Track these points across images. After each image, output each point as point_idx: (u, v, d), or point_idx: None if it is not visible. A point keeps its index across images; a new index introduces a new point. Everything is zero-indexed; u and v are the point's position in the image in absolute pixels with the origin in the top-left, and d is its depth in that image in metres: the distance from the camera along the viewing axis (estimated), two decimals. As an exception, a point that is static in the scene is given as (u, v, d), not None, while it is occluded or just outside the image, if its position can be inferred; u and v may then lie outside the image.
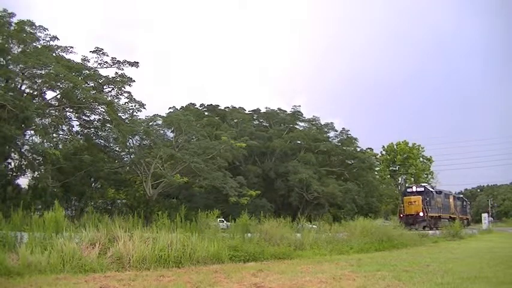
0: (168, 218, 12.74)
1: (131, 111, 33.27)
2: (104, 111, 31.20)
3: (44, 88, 29.63)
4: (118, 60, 31.79)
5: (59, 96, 29.95)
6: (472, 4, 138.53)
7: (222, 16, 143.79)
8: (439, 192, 41.27)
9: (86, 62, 31.13)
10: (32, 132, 29.03)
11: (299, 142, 49.35)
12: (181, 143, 36.51)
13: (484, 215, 51.59)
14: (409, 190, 39.39)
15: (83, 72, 30.59)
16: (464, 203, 53.09)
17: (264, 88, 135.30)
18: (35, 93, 29.93)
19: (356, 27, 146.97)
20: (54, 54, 29.53)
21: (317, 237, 16.27)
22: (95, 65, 31.37)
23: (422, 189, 38.03)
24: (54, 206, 11.28)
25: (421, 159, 66.70)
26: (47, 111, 28.92)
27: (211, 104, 51.81)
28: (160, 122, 38.61)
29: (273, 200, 43.97)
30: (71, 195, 34.46)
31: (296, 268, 10.58)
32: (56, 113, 29.92)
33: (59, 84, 28.58)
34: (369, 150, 58.10)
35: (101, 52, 31.20)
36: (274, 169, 45.45)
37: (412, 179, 62.02)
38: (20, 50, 28.11)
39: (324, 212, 44.85)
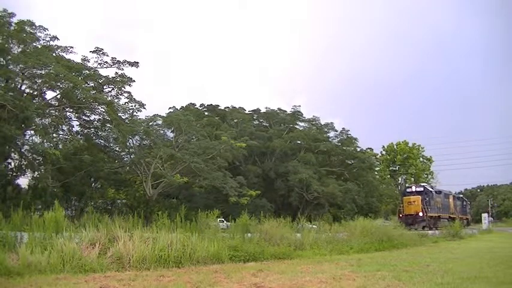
0: (168, 218, 12.74)
1: (131, 111, 33.33)
2: (104, 111, 31.20)
3: (44, 88, 29.64)
4: (118, 60, 31.84)
5: (59, 96, 29.95)
6: (472, 4, 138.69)
7: (222, 16, 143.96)
8: (439, 192, 41.23)
9: (86, 62, 31.16)
10: (32, 132, 29.06)
11: (299, 142, 49.35)
12: (181, 143, 36.51)
13: (484, 215, 51.59)
14: (408, 190, 39.27)
15: (83, 72, 30.60)
16: (464, 203, 53.08)
17: (264, 88, 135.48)
18: (35, 93, 29.93)
19: (356, 27, 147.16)
20: (54, 54, 29.53)
21: (317, 237, 16.27)
22: (95, 65, 31.43)
23: (422, 189, 37.96)
24: (54, 206, 11.28)
25: (421, 159, 66.72)
26: (47, 111, 28.92)
27: (211, 104, 51.87)
28: (160, 122, 38.63)
29: (273, 200, 43.97)
30: (71, 195, 34.46)
31: (296, 268, 10.58)
32: (56, 113, 29.93)
33: (59, 84, 28.58)
34: (369, 150, 58.11)
35: (101, 52, 31.24)
36: (274, 169, 45.45)
37: (412, 179, 62.03)
38: (20, 50, 28.11)
39: (324, 212, 44.85)
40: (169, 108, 44.82)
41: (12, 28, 28.09)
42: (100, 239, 10.50)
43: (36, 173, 31.64)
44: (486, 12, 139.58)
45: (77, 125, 33.01)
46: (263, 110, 52.73)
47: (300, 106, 59.21)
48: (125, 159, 37.80)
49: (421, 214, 35.21)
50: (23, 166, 31.23)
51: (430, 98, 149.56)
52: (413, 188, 38.67)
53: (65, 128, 31.84)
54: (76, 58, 31.36)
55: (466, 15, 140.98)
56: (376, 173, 59.43)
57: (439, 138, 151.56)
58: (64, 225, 11.01)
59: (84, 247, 10.11)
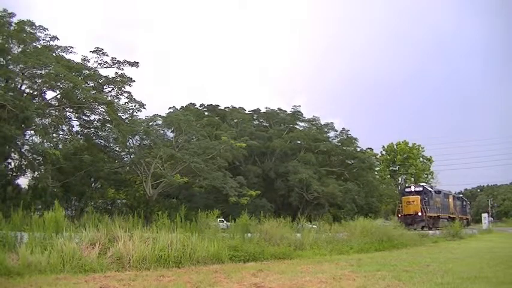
0: (168, 218, 12.74)
1: (131, 111, 33.32)
2: (104, 111, 31.20)
3: (44, 88, 29.63)
4: (118, 60, 31.82)
5: (59, 96, 29.95)
6: (472, 4, 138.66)
7: (222, 16, 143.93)
8: (438, 192, 41.19)
9: (86, 62, 31.14)
10: (32, 132, 29.04)
11: (299, 142, 49.33)
12: (181, 143, 36.51)
13: (484, 215, 51.62)
14: (407, 190, 39.14)
15: (83, 72, 30.59)
16: (464, 203, 53.08)
17: (264, 88, 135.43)
18: (35, 93, 29.93)
19: (356, 27, 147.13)
20: (54, 54, 29.51)
21: (317, 237, 16.28)
22: (95, 65, 31.41)
23: (421, 189, 37.87)
24: (54, 206, 11.29)
25: (421, 159, 66.74)
26: (47, 111, 28.92)
27: (211, 104, 51.83)
28: (160, 122, 38.61)
29: (273, 200, 43.96)
30: (71, 195, 34.45)
31: (296, 268, 10.58)
32: (56, 113, 29.92)
33: (59, 84, 28.58)
34: (369, 150, 58.07)
35: (101, 52, 31.22)
36: (274, 169, 45.45)
37: (412, 179, 62.04)
38: (20, 50, 28.10)
39: (324, 212, 44.83)
40: (169, 108, 44.83)
41: (12, 28, 28.08)
42: (100, 239, 10.51)
43: (36, 173, 31.64)
44: (486, 12, 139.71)
45: (77, 125, 33.07)
46: (263, 110, 52.78)
47: (300, 106, 59.25)
48: (125, 159, 37.80)
49: (420, 214, 35.17)
50: (23, 166, 31.23)
51: (430, 98, 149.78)
52: (412, 188, 38.57)
53: (65, 128, 31.86)
54: (76, 58, 31.40)
55: (466, 15, 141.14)
56: (376, 173, 59.39)
57: (439, 138, 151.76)
58: (64, 225, 11.02)
59: (84, 247, 10.11)
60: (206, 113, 50.35)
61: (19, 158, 30.91)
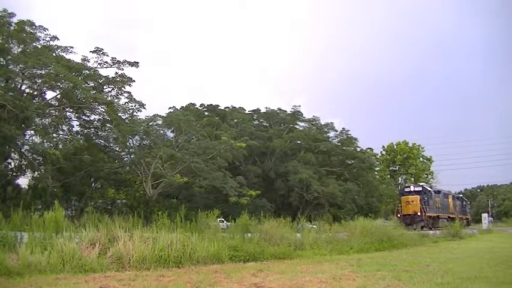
0: (168, 218, 12.75)
1: (131, 111, 33.31)
2: (104, 111, 31.19)
3: (44, 88, 29.63)
4: (118, 60, 31.81)
5: (59, 96, 29.95)
6: (472, 4, 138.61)
7: (222, 16, 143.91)
8: (438, 192, 41.13)
9: (86, 62, 31.14)
10: (32, 132, 29.03)
11: (299, 142, 49.32)
12: (181, 143, 36.50)
13: (484, 215, 51.62)
14: (406, 190, 39.01)
15: (83, 72, 30.58)
16: (464, 203, 53.04)
17: (264, 88, 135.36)
18: (35, 93, 29.92)
19: (356, 27, 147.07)
20: (54, 54, 29.51)
21: (317, 237, 16.29)
22: (95, 65, 31.41)
23: (420, 188, 37.78)
24: (54, 206, 11.29)
25: (421, 159, 66.75)
26: (47, 111, 28.92)
27: (211, 104, 51.82)
28: (160, 122, 38.60)
29: (273, 200, 43.95)
30: (71, 195, 34.45)
31: (296, 268, 10.59)
32: (56, 113, 29.92)
33: (59, 84, 28.57)
34: (369, 150, 58.06)
35: (101, 52, 31.22)
36: (274, 169, 45.45)
37: (412, 179, 62.02)
38: (20, 50, 28.09)
39: (324, 212, 44.82)
40: (169, 108, 44.82)
41: (12, 28, 28.07)
42: (100, 239, 10.51)
43: (36, 173, 31.64)
44: (486, 12, 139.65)
45: (77, 125, 33.06)
46: (263, 110, 52.76)
47: (300, 106, 59.20)
48: (125, 159, 37.79)
49: (419, 214, 35.12)
50: (23, 166, 31.22)
51: (430, 98, 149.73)
52: (412, 188, 38.48)
53: (65, 128, 31.86)
54: (76, 58, 31.40)
55: (466, 15, 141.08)
56: (376, 173, 59.38)
57: (439, 138, 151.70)
58: (64, 225, 11.02)
59: (84, 247, 10.12)
60: (206, 113, 50.34)
61: (19, 158, 30.91)
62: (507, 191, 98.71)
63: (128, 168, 37.05)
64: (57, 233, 10.34)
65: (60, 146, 32.21)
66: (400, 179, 66.67)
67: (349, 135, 52.49)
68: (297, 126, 51.98)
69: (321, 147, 47.45)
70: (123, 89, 32.50)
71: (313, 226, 19.80)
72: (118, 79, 31.89)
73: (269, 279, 8.58)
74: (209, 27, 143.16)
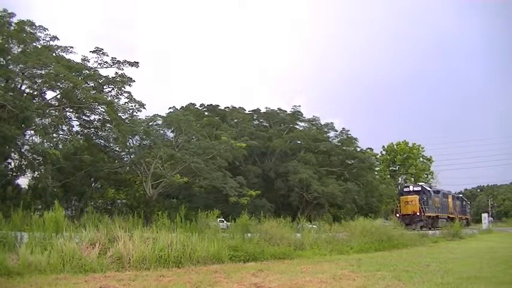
0: (168, 218, 12.76)
1: (131, 111, 33.28)
2: (104, 111, 31.17)
3: (44, 88, 29.62)
4: (118, 60, 31.78)
5: (59, 96, 29.93)
6: (472, 4, 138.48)
7: (222, 16, 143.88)
8: (437, 192, 41.07)
9: (86, 62, 31.10)
10: (32, 132, 28.99)
11: (299, 142, 49.32)
12: (181, 143, 36.50)
13: (484, 215, 51.63)
14: (405, 189, 38.84)
15: (83, 72, 30.56)
16: (464, 203, 53.00)
17: (264, 88, 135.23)
18: (35, 93, 29.91)
19: (356, 27, 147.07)
20: (54, 54, 29.49)
21: (317, 237, 16.30)
22: (95, 65, 31.37)
23: (419, 188, 37.68)
24: (54, 206, 11.30)
25: (421, 159, 66.74)
26: (47, 111, 28.90)
27: (211, 104, 51.77)
28: (160, 122, 38.60)
29: (273, 200, 43.94)
30: (71, 195, 34.45)
31: (296, 268, 10.59)
32: (56, 113, 29.90)
33: (59, 84, 28.56)
34: (369, 150, 58.03)
35: (101, 52, 31.18)
36: (274, 169, 45.44)
37: (412, 179, 62.01)
38: (20, 50, 28.07)
39: (324, 212, 44.83)
40: (169, 108, 44.78)
41: (12, 28, 28.05)
42: (100, 239, 10.51)
43: (36, 173, 31.60)
44: (486, 12, 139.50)
45: (77, 125, 33.02)
46: (263, 110, 52.72)
47: (300, 106, 59.13)
48: (125, 159, 37.78)
49: (418, 214, 35.07)
50: (23, 166, 31.20)
51: (430, 97, 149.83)
52: (411, 188, 38.38)
53: (65, 128, 31.82)
54: (76, 58, 31.34)
55: (466, 15, 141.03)
56: (376, 173, 59.33)
57: (439, 138, 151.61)
58: (64, 225, 11.02)
59: (84, 247, 10.12)
60: (206, 113, 50.31)
61: (19, 158, 30.89)
62: (507, 191, 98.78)
63: (128, 168, 37.04)
64: (57, 233, 10.34)
65: (60, 146, 32.18)
66: (400, 179, 66.63)
67: (349, 135, 52.48)
68: (297, 126, 51.99)
69: (321, 147, 47.44)
70: (123, 89, 32.49)
71: (313, 226, 19.81)
72: (118, 79, 31.87)
73: (269, 279, 8.58)
74: (209, 27, 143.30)
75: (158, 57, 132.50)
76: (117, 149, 36.57)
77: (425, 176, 64.80)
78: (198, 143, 37.35)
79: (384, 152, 67.90)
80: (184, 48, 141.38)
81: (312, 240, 15.61)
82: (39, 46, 29.18)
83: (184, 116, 37.93)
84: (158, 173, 33.92)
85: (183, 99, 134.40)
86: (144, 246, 10.48)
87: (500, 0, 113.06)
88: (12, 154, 30.02)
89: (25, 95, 28.70)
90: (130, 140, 34.87)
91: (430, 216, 36.82)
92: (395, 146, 67.20)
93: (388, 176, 64.88)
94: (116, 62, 31.67)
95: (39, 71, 27.46)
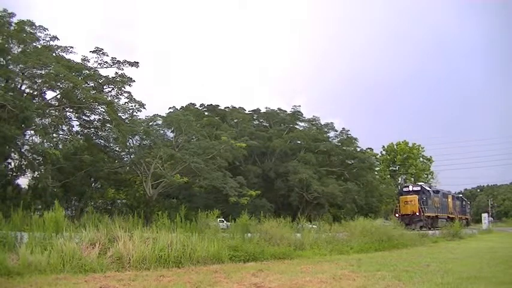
0: (168, 218, 12.76)
1: (131, 111, 33.27)
2: (104, 111, 31.17)
3: (44, 88, 29.61)
4: (118, 60, 31.77)
5: (59, 96, 29.93)
6: (472, 4, 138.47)
7: (222, 16, 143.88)
8: (437, 192, 41.02)
9: (86, 62, 31.10)
10: (32, 132, 28.98)
11: (299, 142, 49.31)
12: (181, 143, 36.49)
13: (484, 215, 51.63)
14: (405, 189, 38.81)
15: (83, 72, 30.55)
16: (464, 203, 52.99)
17: (264, 88, 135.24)
18: (35, 93, 29.90)
19: (356, 27, 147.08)
20: (54, 54, 29.48)
21: (317, 237, 16.30)
22: (95, 65, 31.35)
23: (419, 188, 37.62)
24: (54, 206, 11.30)
25: (421, 159, 66.75)
26: (47, 111, 28.90)
27: (211, 104, 51.76)
28: (160, 122, 38.59)
29: (273, 200, 43.93)
30: (71, 195, 34.44)
31: (296, 268, 10.59)
32: (56, 113, 29.90)
33: (59, 84, 28.55)
34: (369, 150, 58.02)
35: (101, 52, 31.17)
36: (274, 169, 45.44)
37: (412, 179, 62.01)
38: (20, 50, 28.07)
39: (324, 212, 44.82)
40: (169, 108, 44.77)
41: (12, 28, 28.05)
42: (100, 239, 10.51)
43: (36, 173, 31.59)
44: (486, 12, 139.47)
45: (77, 125, 33.01)
46: (263, 110, 52.70)
47: (300, 106, 59.11)
48: (125, 159, 37.77)
49: (418, 214, 35.03)
50: (23, 166, 31.20)
51: (430, 97, 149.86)
52: (410, 188, 38.33)
53: (65, 128, 31.81)
54: (76, 58, 31.33)
55: (466, 15, 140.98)
56: (376, 173, 59.32)
57: (439, 138, 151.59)
58: (64, 225, 11.02)
59: (84, 247, 10.12)
60: (206, 113, 50.31)
61: (19, 158, 30.88)
62: (507, 191, 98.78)
63: (128, 168, 37.04)
64: (57, 233, 10.34)
65: (60, 146, 32.18)
66: (400, 179, 66.62)
67: (349, 135, 52.47)
68: (297, 126, 51.98)
69: (321, 147, 47.44)
70: (123, 89, 32.48)
71: (313, 226, 19.81)
72: (118, 79, 31.87)
73: (269, 279, 8.58)
74: (209, 27, 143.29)
75: (158, 57, 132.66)
76: (117, 149, 36.56)
77: (425, 176, 64.80)
78: (198, 143, 37.34)
79: (383, 152, 67.92)
80: (184, 48, 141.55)
81: (312, 240, 15.61)
82: (39, 46, 29.17)
83: (184, 116, 37.93)
84: (158, 173, 33.92)
85: (183, 99, 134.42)
86: (144, 246, 10.48)
87: (500, 0, 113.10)
88: (12, 154, 30.01)
89: (25, 95, 28.70)
90: (130, 140, 34.87)
91: (429, 216, 36.78)
92: (395, 146, 67.21)
93: (388, 176, 64.88)
94: (116, 62, 31.68)
95: (39, 71, 27.45)
